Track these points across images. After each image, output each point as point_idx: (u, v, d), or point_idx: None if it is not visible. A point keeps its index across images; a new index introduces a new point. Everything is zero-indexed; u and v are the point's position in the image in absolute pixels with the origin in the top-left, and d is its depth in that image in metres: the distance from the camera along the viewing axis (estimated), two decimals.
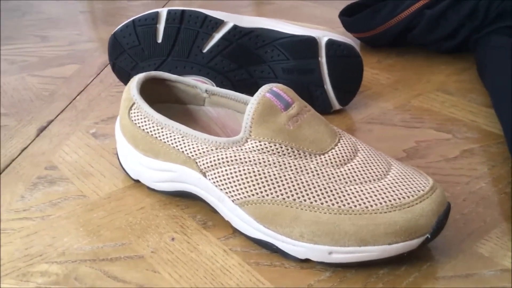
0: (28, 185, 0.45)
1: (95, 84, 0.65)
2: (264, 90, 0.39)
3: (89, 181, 0.45)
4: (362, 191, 0.36)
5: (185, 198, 0.42)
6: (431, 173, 0.47)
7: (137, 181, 0.44)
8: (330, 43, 0.55)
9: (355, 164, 0.37)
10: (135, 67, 0.57)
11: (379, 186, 0.36)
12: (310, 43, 0.54)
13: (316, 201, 0.36)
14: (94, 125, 0.55)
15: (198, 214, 0.41)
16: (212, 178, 0.39)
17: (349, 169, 0.37)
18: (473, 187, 0.45)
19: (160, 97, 0.47)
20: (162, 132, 0.41)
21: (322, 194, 0.36)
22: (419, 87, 0.64)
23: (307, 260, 0.36)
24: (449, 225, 0.40)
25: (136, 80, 0.44)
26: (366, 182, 0.36)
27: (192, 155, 0.39)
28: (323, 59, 0.55)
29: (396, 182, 0.36)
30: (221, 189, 0.38)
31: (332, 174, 0.37)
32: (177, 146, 0.40)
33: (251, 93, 0.41)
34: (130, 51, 0.56)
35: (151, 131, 0.41)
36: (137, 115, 0.42)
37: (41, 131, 0.54)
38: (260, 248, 0.37)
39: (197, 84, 0.46)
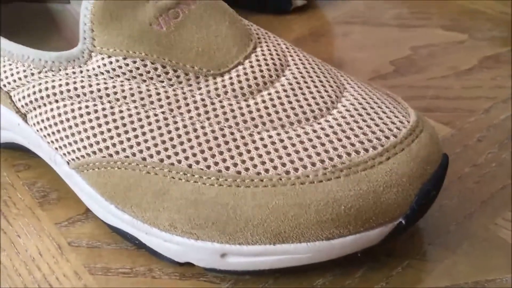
0: None
1: None
2: None
3: None
4: (281, 141, 0.19)
5: (29, 153, 0.26)
6: (429, 97, 0.30)
7: None
8: None
9: (276, 93, 0.21)
10: None
11: (313, 131, 0.19)
12: None
13: (198, 162, 0.19)
14: None
15: (40, 179, 0.25)
16: (35, 124, 0.23)
17: (263, 101, 0.20)
18: (495, 118, 0.28)
19: None
20: None
21: (210, 149, 0.20)
22: None
23: (190, 264, 0.21)
24: (446, 188, 0.23)
25: None
26: (291, 124, 0.20)
27: (4, 85, 0.23)
28: None
29: (347, 122, 0.20)
30: (49, 143, 0.22)
31: (232, 111, 0.20)
32: None
33: None
34: None
35: None
36: None
37: None
38: (120, 241, 0.22)
39: None
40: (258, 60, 0.22)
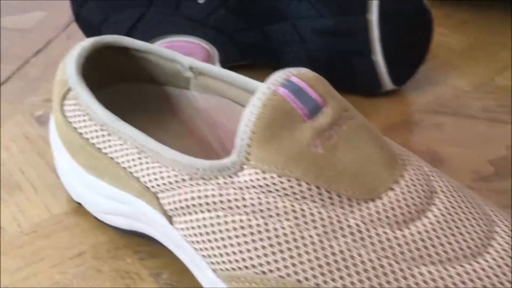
0: None
1: (60, 40, 0.49)
2: (275, 82, 0.22)
3: (12, 199, 0.30)
4: (441, 279, 0.20)
5: (151, 240, 0.27)
6: None
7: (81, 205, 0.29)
8: None
9: (430, 224, 0.21)
10: (105, 20, 0.41)
11: (473, 270, 0.20)
12: None
13: None
14: (44, 104, 0.39)
15: (165, 270, 0.26)
16: (183, 229, 0.23)
17: (418, 232, 0.21)
18: None
19: (124, 75, 0.31)
20: (108, 140, 0.25)
21: (369, 279, 0.20)
22: (504, 56, 0.46)
23: None
24: None
25: (77, 50, 0.28)
26: (449, 260, 0.20)
27: (153, 186, 0.24)
28: (373, 15, 0.37)
29: (506, 264, 0.20)
30: (195, 249, 0.23)
31: (388, 240, 0.21)
32: (129, 166, 0.25)
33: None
34: None
35: (91, 138, 0.26)
36: (73, 110, 0.26)
37: None
38: None
39: (176, 56, 0.30)
40: (407, 186, 0.22)
